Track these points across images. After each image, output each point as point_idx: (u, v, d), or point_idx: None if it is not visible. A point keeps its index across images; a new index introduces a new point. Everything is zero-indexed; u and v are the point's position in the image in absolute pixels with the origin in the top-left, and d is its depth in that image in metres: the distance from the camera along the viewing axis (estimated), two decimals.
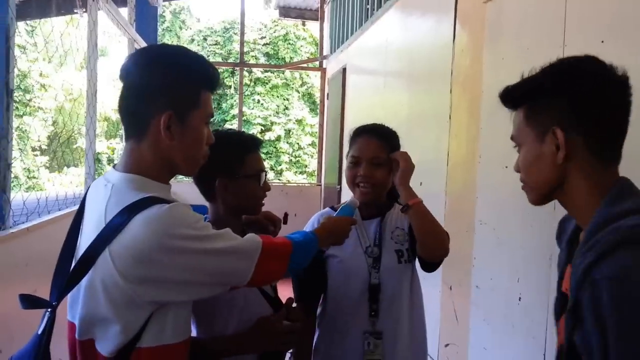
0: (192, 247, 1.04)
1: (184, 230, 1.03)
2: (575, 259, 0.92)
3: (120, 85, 1.16)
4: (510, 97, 1.05)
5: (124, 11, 4.53)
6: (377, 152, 1.62)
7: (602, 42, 1.62)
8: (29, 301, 1.10)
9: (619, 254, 0.82)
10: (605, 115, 0.94)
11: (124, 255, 1.00)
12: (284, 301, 1.48)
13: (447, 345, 2.74)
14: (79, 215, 1.17)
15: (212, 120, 1.20)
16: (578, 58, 1.00)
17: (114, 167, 1.16)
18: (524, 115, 1.02)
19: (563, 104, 0.96)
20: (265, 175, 1.49)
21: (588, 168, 0.96)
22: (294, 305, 1.49)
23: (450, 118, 2.83)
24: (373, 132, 1.67)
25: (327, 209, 1.77)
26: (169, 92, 1.10)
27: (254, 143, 1.50)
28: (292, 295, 1.59)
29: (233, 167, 1.43)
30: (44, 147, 15.00)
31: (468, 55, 2.71)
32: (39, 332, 1.07)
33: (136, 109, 1.12)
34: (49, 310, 1.08)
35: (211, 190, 1.44)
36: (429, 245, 1.58)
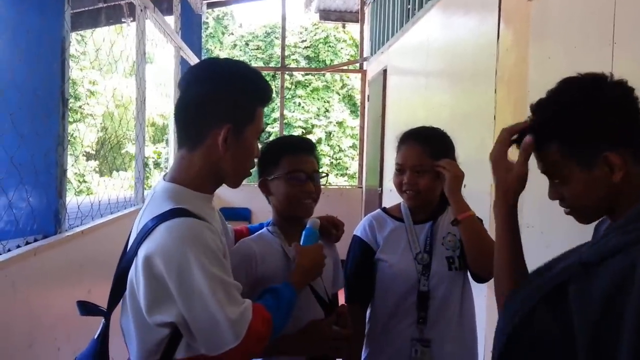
0: (196, 264, 1.03)
1: (194, 247, 1.04)
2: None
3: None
4: (537, 135, 1.01)
5: (170, 19, 4.66)
6: (419, 160, 1.59)
7: None
8: (86, 308, 1.17)
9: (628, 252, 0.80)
10: (635, 123, 0.95)
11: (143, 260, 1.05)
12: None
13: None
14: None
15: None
16: (580, 78, 0.99)
17: (163, 177, 1.21)
18: (560, 153, 0.98)
19: (606, 127, 0.93)
20: (311, 176, 1.48)
21: (637, 175, 0.94)
22: (346, 311, 1.49)
23: (494, 118, 2.78)
24: (416, 139, 1.64)
25: (378, 210, 1.75)
26: (230, 106, 1.14)
27: (296, 145, 1.53)
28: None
29: (268, 169, 1.49)
30: (93, 152, 15.56)
31: (513, 54, 2.66)
32: (95, 337, 1.13)
33: (195, 119, 1.16)
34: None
35: (265, 194, 1.53)
36: (478, 262, 1.53)
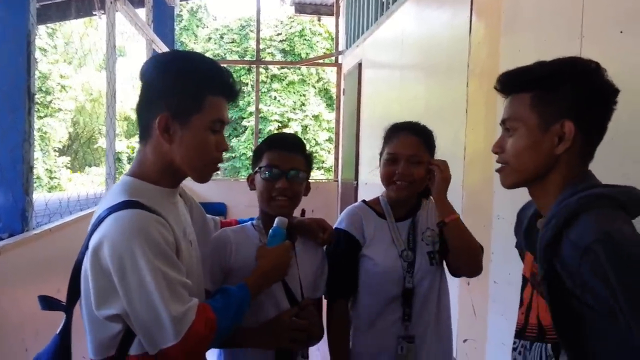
0: (141, 257, 1.01)
1: (139, 239, 1.02)
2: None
3: (138, 85, 1.19)
4: (519, 80, 1.07)
5: (142, 12, 4.57)
6: (417, 150, 1.58)
7: (621, 32, 1.59)
8: (47, 303, 1.15)
9: (580, 221, 0.91)
10: (603, 118, 1.02)
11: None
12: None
13: (465, 340, 2.72)
14: None
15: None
16: (588, 60, 1.03)
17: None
18: (531, 101, 1.04)
19: (575, 99, 0.99)
20: (287, 173, 1.45)
21: (575, 162, 1.02)
22: (310, 304, 1.47)
23: (467, 112, 2.81)
24: (413, 130, 1.62)
25: (361, 203, 1.72)
26: (167, 95, 1.11)
27: (280, 141, 1.53)
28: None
29: (254, 163, 1.52)
30: (64, 147, 15.26)
31: (485, 48, 2.68)
32: (57, 333, 1.11)
33: (141, 111, 1.14)
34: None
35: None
36: (463, 263, 1.57)
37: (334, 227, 1.67)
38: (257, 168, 1.47)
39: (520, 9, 2.33)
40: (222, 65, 1.19)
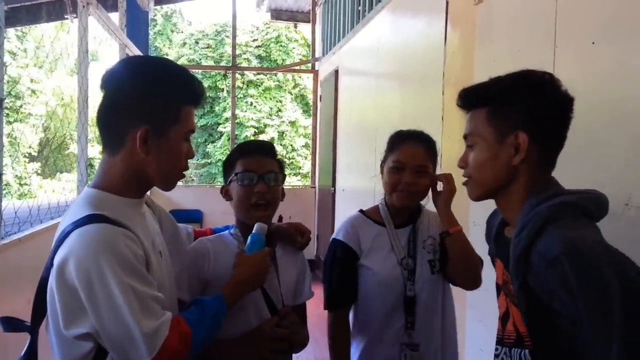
0: (109, 273, 0.98)
1: (106, 254, 0.99)
2: (511, 247, 1.02)
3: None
4: (475, 96, 1.12)
5: (115, 16, 4.51)
6: (423, 160, 1.58)
7: (593, 43, 1.63)
8: (9, 324, 1.10)
9: (547, 232, 0.94)
10: (559, 127, 1.06)
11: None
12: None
13: None
14: None
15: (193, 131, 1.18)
16: (542, 72, 1.07)
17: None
18: (487, 115, 1.09)
19: (528, 111, 1.04)
20: (262, 177, 1.43)
21: (535, 172, 1.06)
22: (290, 312, 1.45)
23: (443, 120, 2.83)
24: (419, 139, 1.62)
25: (358, 213, 1.71)
26: (148, 106, 1.08)
27: (251, 147, 1.51)
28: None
29: (226, 174, 1.49)
30: (34, 153, 14.92)
31: (459, 57, 2.72)
32: (22, 355, 1.07)
33: (113, 121, 1.10)
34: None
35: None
36: (461, 275, 1.59)
37: (331, 238, 1.68)
38: (232, 176, 1.44)
39: (494, 19, 2.36)
40: (190, 71, 1.17)
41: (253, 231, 1.38)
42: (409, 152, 1.59)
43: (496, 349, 1.18)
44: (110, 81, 1.11)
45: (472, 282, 1.61)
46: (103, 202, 1.07)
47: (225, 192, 1.48)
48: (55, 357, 1.05)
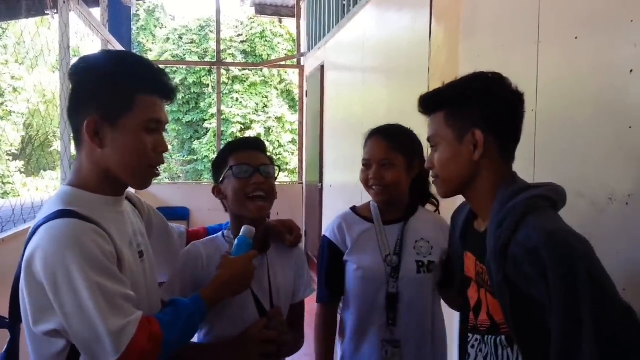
0: (76, 269, 0.96)
1: (73, 250, 0.97)
2: (488, 240, 1.09)
3: None
4: (432, 102, 1.22)
5: (97, 11, 4.45)
6: (385, 154, 1.59)
7: (576, 38, 1.64)
8: None
9: (528, 223, 1.01)
10: (512, 122, 1.15)
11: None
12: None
13: None
14: None
15: (156, 125, 1.12)
16: (491, 73, 1.17)
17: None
18: (444, 118, 1.17)
19: (481, 110, 1.14)
20: (258, 169, 1.42)
21: (496, 165, 1.14)
22: (279, 313, 1.44)
23: None
24: (382, 134, 1.64)
25: (348, 210, 1.72)
26: (94, 96, 1.06)
27: (242, 142, 1.52)
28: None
29: (218, 172, 1.48)
30: (17, 151, 14.69)
31: (444, 52, 2.72)
32: (3, 351, 1.06)
33: (70, 115, 1.09)
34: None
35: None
36: (453, 305, 1.65)
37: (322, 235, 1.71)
38: (225, 172, 1.42)
39: (478, 14, 2.37)
40: (154, 64, 1.15)
41: (240, 233, 1.36)
42: (373, 147, 1.63)
43: (468, 337, 1.24)
44: (70, 75, 1.10)
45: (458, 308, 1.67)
46: (76, 198, 1.06)
47: (217, 192, 1.45)
48: (31, 355, 1.03)
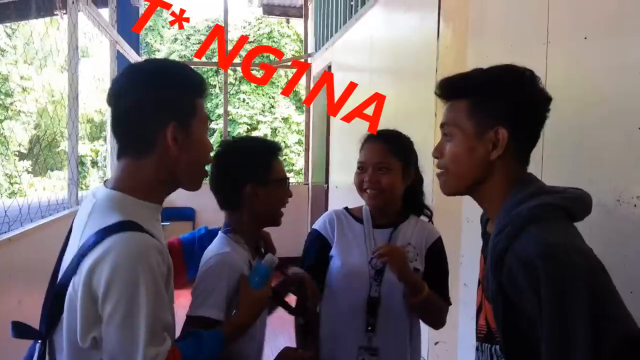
0: (143, 287, 0.97)
1: (145, 266, 0.98)
2: (489, 246, 1.01)
3: (105, 87, 1.14)
4: (457, 87, 1.10)
5: (105, 12, 4.47)
6: (382, 158, 1.59)
7: (585, 38, 1.63)
8: (20, 330, 1.07)
9: (527, 234, 0.93)
10: (536, 125, 1.06)
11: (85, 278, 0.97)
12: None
13: (436, 343, 2.74)
14: (70, 231, 1.14)
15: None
16: (525, 69, 1.06)
17: (104, 183, 1.13)
18: (467, 108, 1.06)
19: (508, 107, 1.02)
20: (288, 181, 1.48)
21: (511, 170, 1.05)
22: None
23: (436, 115, 2.83)
24: (380, 137, 1.64)
25: (342, 209, 1.73)
26: (170, 104, 1.09)
27: (277, 148, 1.50)
28: None
29: (262, 173, 1.43)
30: (24, 151, 14.79)
31: (452, 53, 2.71)
32: None
33: (138, 126, 1.09)
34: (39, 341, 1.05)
35: (236, 198, 1.42)
36: (430, 324, 1.67)
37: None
38: (273, 178, 1.44)
39: (487, 15, 2.36)
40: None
41: (262, 262, 1.34)
42: (369, 151, 1.63)
43: (477, 343, 1.19)
44: (123, 91, 1.10)
45: (436, 326, 1.68)
46: (129, 206, 1.05)
47: (255, 194, 1.40)
48: None
